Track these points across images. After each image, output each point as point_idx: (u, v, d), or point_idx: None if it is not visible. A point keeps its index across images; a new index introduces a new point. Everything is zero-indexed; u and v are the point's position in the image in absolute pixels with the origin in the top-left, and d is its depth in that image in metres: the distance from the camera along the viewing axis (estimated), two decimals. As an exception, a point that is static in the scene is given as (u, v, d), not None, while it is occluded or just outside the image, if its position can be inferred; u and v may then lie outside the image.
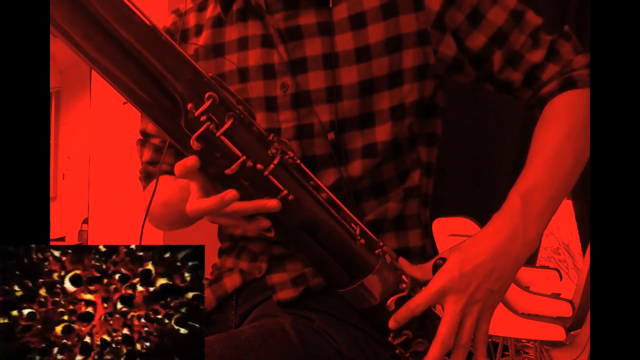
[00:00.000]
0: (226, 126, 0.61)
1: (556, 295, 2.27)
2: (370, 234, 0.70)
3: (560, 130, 0.75)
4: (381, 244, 0.70)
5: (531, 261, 2.92)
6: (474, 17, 0.79)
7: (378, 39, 0.78)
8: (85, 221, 4.29)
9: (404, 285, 0.69)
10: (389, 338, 0.69)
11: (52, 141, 5.57)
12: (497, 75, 0.81)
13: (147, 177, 0.94)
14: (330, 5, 0.80)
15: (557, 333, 2.01)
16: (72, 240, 5.03)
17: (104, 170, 2.66)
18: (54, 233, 5.00)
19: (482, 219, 0.73)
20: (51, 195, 5.45)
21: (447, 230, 2.17)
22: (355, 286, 0.68)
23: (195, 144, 0.60)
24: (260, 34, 0.82)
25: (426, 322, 0.69)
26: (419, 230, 0.85)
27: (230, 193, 0.61)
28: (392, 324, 0.68)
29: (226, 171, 0.62)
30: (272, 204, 0.63)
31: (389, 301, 0.68)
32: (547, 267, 2.72)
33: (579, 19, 2.93)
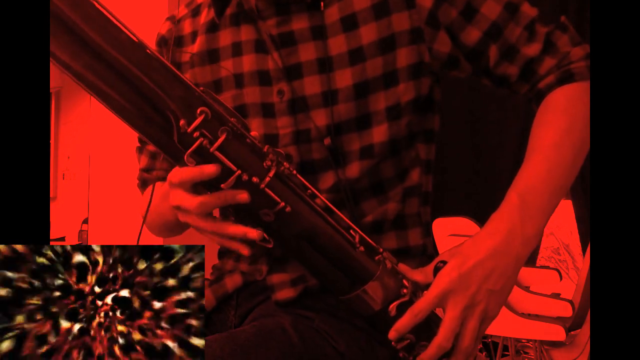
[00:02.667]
0: (220, 141, 0.61)
1: (556, 295, 2.26)
2: (370, 241, 0.70)
3: (558, 125, 0.75)
4: (381, 250, 0.70)
5: (531, 261, 2.92)
6: (468, 11, 0.78)
7: (371, 40, 0.78)
8: (85, 221, 4.29)
9: (405, 290, 0.69)
10: (392, 343, 0.69)
11: (52, 141, 5.56)
12: (493, 70, 0.81)
13: (144, 184, 0.95)
14: (322, 8, 0.79)
15: (557, 333, 2.01)
16: (72, 240, 5.03)
17: (104, 170, 2.66)
18: (54, 233, 4.99)
19: (482, 219, 0.73)
20: (51, 195, 5.45)
21: (447, 230, 2.16)
22: (357, 293, 0.68)
23: (189, 160, 0.60)
24: (254, 39, 0.82)
25: (429, 326, 0.68)
26: (419, 229, 0.85)
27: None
28: (392, 334, 0.67)
29: (222, 185, 0.62)
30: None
31: (390, 306, 0.68)
32: (547, 267, 2.72)
33: (580, 12, 2.92)
